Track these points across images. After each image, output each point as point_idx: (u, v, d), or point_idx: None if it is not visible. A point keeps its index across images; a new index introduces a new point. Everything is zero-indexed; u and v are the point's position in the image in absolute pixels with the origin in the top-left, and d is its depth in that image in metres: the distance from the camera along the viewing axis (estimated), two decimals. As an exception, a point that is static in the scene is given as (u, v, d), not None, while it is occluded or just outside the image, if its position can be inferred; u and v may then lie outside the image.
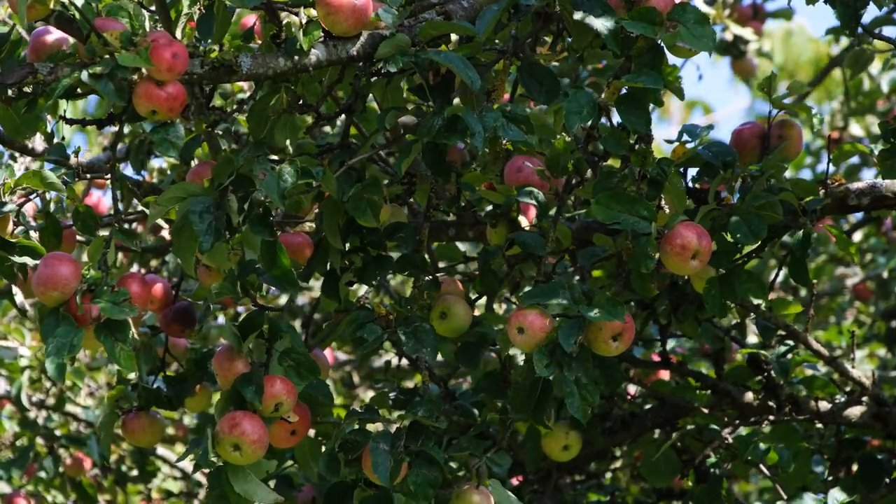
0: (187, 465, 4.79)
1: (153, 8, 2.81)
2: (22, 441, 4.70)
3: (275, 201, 2.60)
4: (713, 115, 8.97)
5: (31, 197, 2.77)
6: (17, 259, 2.67)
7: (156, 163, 4.27)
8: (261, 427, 2.71)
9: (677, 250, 2.67)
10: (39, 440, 4.66)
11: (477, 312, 3.14)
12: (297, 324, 4.64)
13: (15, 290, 2.87)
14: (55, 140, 2.86)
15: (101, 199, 4.46)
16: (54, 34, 2.65)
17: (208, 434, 2.69)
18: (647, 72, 2.67)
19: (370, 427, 3.15)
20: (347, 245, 2.92)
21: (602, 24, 2.67)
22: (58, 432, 4.65)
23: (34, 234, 2.77)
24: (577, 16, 2.68)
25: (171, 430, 4.87)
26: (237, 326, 2.77)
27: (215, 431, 2.70)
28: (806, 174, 5.47)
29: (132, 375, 3.26)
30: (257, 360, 2.78)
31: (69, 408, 4.73)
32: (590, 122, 2.75)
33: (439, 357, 3.18)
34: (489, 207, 3.04)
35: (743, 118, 8.74)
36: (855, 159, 4.82)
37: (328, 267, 2.94)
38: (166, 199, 2.67)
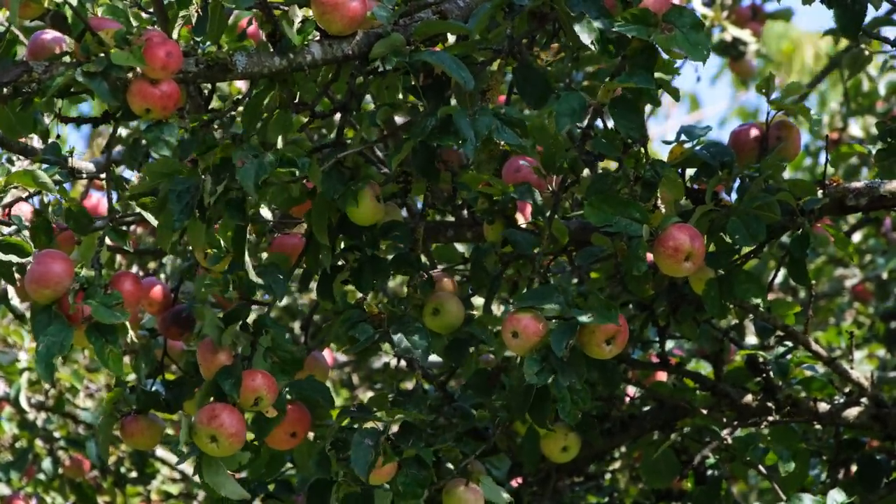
0: (187, 466, 4.78)
1: (151, 10, 2.81)
2: (21, 443, 4.70)
3: (248, 190, 2.60)
4: (701, 111, 8.96)
5: (25, 197, 2.77)
6: (2, 257, 2.67)
7: (154, 164, 4.27)
8: (239, 420, 2.70)
9: (670, 252, 2.67)
10: (38, 442, 4.67)
11: (475, 314, 3.14)
12: (297, 325, 4.65)
13: (11, 293, 2.87)
14: (50, 139, 2.86)
15: (101, 201, 4.46)
16: (53, 35, 2.65)
17: (185, 424, 2.70)
18: (640, 72, 2.66)
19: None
20: (342, 244, 2.92)
21: (595, 28, 2.66)
22: (57, 434, 4.65)
23: (26, 234, 2.77)
24: (573, 20, 2.67)
25: (170, 431, 4.87)
26: (221, 319, 2.77)
27: (193, 422, 2.70)
28: (805, 175, 5.46)
29: (130, 377, 3.26)
30: (243, 354, 2.78)
31: (68, 409, 4.73)
32: (585, 123, 2.74)
33: (438, 358, 3.18)
34: (486, 205, 3.03)
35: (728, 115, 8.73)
36: (854, 160, 4.82)
37: (321, 266, 2.94)
38: (151, 172, 2.68)
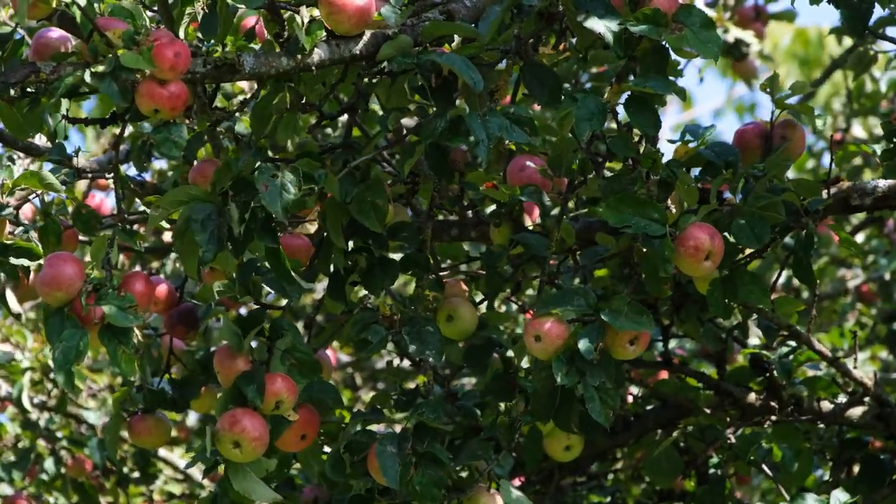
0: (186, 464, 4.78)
1: (156, 8, 2.81)
2: (23, 443, 4.69)
3: (277, 215, 2.60)
4: (694, 108, 8.95)
5: (31, 198, 2.77)
6: (13, 261, 2.66)
7: (157, 164, 4.28)
8: (261, 424, 2.71)
9: (691, 252, 2.67)
10: (41, 442, 4.66)
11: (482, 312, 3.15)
12: (300, 325, 4.65)
13: (8, 293, 2.86)
14: (57, 140, 2.86)
15: (104, 201, 4.45)
16: (57, 33, 2.65)
17: (208, 432, 2.70)
18: (656, 77, 2.67)
19: (373, 426, 3.15)
20: (351, 245, 2.92)
21: (605, 27, 2.66)
22: (59, 434, 4.65)
23: (34, 235, 2.77)
24: (581, 18, 2.67)
25: (173, 433, 4.87)
26: (238, 325, 2.77)
27: (216, 429, 2.70)
28: (809, 177, 5.46)
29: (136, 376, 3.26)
30: (258, 358, 2.78)
31: (70, 409, 4.73)
32: (595, 124, 2.74)
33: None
34: (493, 207, 3.04)
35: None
36: (858, 160, 4.81)
37: (332, 268, 2.94)
38: (168, 202, 2.67)
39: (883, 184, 2.95)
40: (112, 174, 2.74)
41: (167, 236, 4.12)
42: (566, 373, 2.63)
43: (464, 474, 2.91)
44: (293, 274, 2.75)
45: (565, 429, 2.80)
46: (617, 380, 2.93)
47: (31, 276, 2.73)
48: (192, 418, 5.04)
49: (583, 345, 2.61)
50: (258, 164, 2.65)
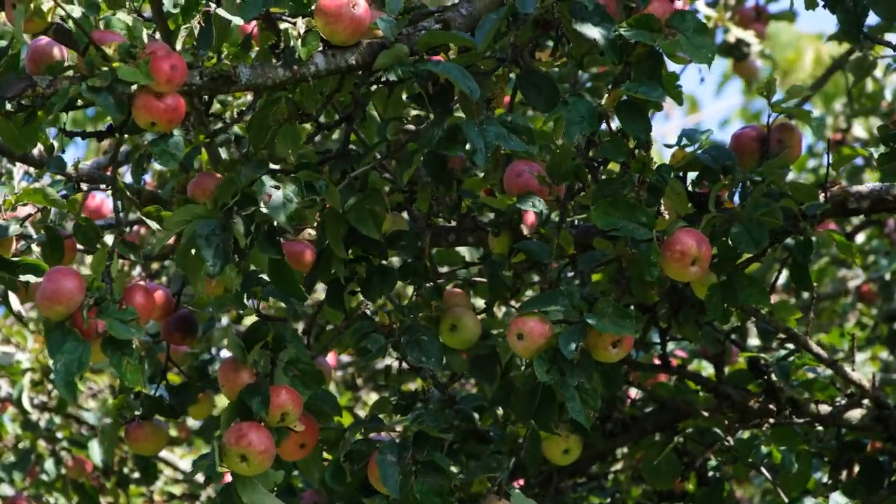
0: (189, 467, 4.78)
1: (149, 14, 2.81)
2: (24, 443, 4.70)
3: (282, 224, 2.61)
4: (702, 112, 8.92)
5: (34, 213, 2.77)
6: (20, 277, 2.67)
7: (156, 165, 4.27)
8: (267, 437, 2.71)
9: (677, 256, 2.67)
10: (41, 442, 4.67)
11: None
12: (300, 327, 4.65)
13: (11, 294, 2.87)
14: (55, 152, 2.86)
15: (105, 201, 4.44)
16: (51, 43, 2.64)
17: (215, 446, 2.70)
18: (648, 82, 2.67)
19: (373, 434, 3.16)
20: (350, 253, 2.92)
21: (599, 34, 2.67)
22: (59, 434, 4.66)
23: (35, 249, 2.77)
24: (576, 25, 2.68)
25: (173, 433, 4.87)
26: (241, 337, 2.78)
27: (222, 443, 2.71)
28: (809, 176, 5.45)
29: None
30: (262, 370, 2.78)
31: (71, 410, 4.73)
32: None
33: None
34: (491, 215, 3.04)
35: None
36: (858, 161, 4.81)
37: (332, 276, 2.94)
38: (172, 223, 2.67)
39: (880, 187, 2.95)
40: (110, 186, 2.73)
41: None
42: (547, 371, 2.63)
43: (461, 476, 2.91)
44: (298, 284, 2.76)
45: (545, 429, 2.80)
46: (614, 382, 2.94)
47: (32, 286, 2.73)
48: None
49: (564, 345, 2.61)
50: (259, 177, 2.65)
